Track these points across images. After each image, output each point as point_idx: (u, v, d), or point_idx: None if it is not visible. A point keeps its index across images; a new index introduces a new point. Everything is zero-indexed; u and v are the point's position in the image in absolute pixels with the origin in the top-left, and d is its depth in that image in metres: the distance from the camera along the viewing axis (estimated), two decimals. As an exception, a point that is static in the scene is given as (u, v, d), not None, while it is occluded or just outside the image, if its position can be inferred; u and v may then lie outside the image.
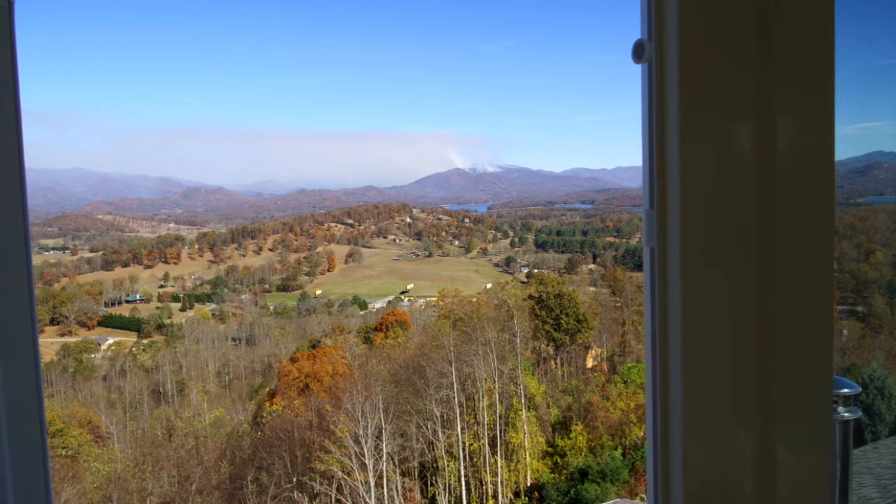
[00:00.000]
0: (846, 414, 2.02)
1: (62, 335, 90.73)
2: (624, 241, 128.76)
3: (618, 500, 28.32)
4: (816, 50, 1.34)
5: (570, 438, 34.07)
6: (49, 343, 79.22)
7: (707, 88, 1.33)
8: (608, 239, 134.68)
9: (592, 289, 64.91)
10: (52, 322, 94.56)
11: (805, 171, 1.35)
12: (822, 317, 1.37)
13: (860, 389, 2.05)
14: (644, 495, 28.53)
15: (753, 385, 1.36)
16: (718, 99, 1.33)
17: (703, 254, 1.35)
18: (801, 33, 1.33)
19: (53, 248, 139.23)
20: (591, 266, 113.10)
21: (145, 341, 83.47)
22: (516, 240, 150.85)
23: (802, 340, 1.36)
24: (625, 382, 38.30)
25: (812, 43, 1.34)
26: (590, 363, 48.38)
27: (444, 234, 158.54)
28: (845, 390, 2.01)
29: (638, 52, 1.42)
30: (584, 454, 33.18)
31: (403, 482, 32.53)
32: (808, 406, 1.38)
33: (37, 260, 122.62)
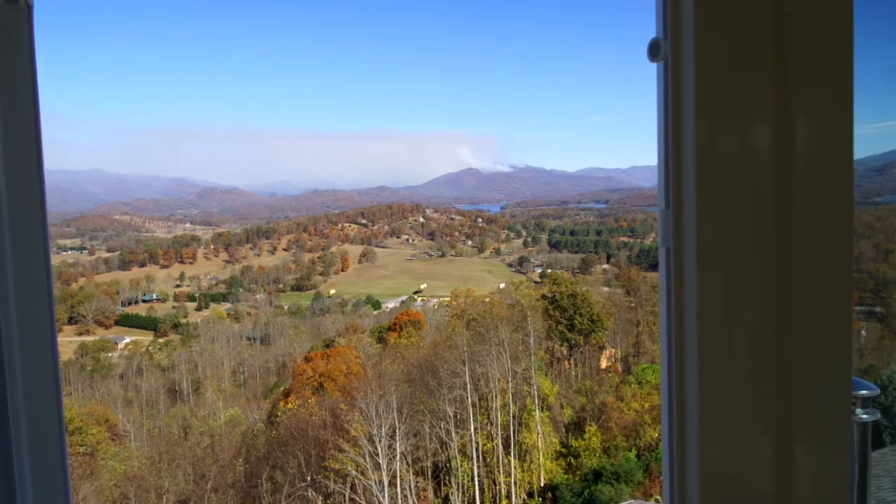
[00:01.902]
0: (864, 416, 1.99)
1: (80, 334, 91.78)
2: (638, 240, 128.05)
3: (632, 501, 28.18)
4: (835, 47, 1.32)
5: (583, 439, 33.93)
6: (67, 342, 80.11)
7: (723, 86, 1.32)
8: (622, 239, 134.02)
9: (606, 289, 64.59)
10: (70, 321, 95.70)
11: (823, 170, 1.33)
12: (841, 317, 1.36)
13: (879, 391, 2.02)
14: (659, 497, 28.36)
15: (771, 386, 1.34)
16: (735, 97, 1.32)
17: (720, 254, 1.34)
18: (818, 31, 1.32)
19: (71, 248, 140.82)
20: (605, 266, 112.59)
21: (161, 340, 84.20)
22: (529, 240, 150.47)
23: (821, 341, 1.35)
24: (639, 383, 38.07)
25: (830, 40, 1.32)
26: (604, 364, 48.16)
27: (457, 233, 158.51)
28: (864, 392, 1.99)
29: (653, 51, 1.41)
30: (597, 455, 33.04)
31: (417, 482, 32.56)
32: (827, 408, 1.36)
33: (55, 260, 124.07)
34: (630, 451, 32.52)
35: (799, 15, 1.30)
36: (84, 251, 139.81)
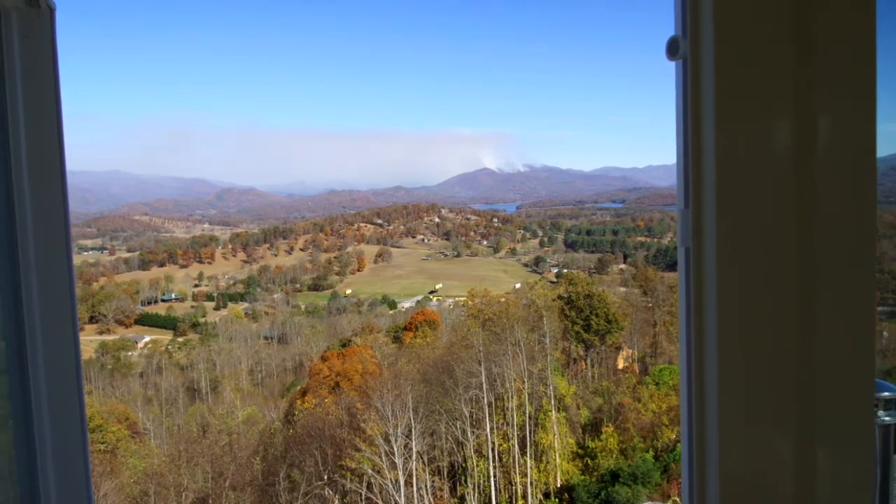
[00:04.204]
0: (887, 418, 1.96)
1: (101, 333, 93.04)
2: (655, 240, 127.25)
3: (649, 502, 28.01)
4: (857, 45, 1.31)
5: (600, 440, 33.75)
6: (88, 341, 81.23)
7: (744, 84, 1.31)
8: (639, 238, 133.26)
9: (623, 289, 64.17)
10: (91, 320, 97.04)
11: (845, 169, 1.31)
12: (863, 318, 1.34)
13: (902, 393, 1.99)
14: (676, 498, 28.15)
15: (792, 387, 1.33)
16: (755, 95, 1.31)
17: (741, 254, 1.32)
18: (840, 27, 1.30)
19: (92, 249, 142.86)
20: (622, 266, 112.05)
21: (180, 339, 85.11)
22: (545, 239, 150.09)
23: (843, 342, 1.33)
24: (656, 384, 37.79)
25: (852, 37, 1.30)
26: (621, 364, 47.90)
27: (472, 233, 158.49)
28: (886, 393, 1.96)
29: (672, 49, 1.40)
30: (614, 456, 32.85)
31: (433, 481, 32.60)
32: (849, 410, 1.35)
33: (76, 260, 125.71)
34: (647, 452, 32.29)
35: (820, 11, 1.28)
36: (105, 251, 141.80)
